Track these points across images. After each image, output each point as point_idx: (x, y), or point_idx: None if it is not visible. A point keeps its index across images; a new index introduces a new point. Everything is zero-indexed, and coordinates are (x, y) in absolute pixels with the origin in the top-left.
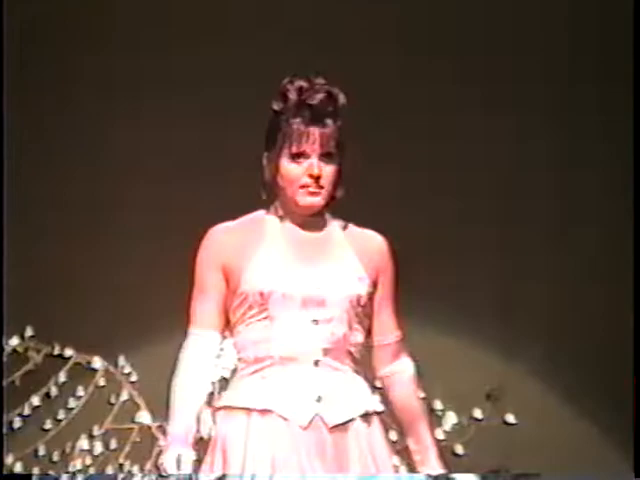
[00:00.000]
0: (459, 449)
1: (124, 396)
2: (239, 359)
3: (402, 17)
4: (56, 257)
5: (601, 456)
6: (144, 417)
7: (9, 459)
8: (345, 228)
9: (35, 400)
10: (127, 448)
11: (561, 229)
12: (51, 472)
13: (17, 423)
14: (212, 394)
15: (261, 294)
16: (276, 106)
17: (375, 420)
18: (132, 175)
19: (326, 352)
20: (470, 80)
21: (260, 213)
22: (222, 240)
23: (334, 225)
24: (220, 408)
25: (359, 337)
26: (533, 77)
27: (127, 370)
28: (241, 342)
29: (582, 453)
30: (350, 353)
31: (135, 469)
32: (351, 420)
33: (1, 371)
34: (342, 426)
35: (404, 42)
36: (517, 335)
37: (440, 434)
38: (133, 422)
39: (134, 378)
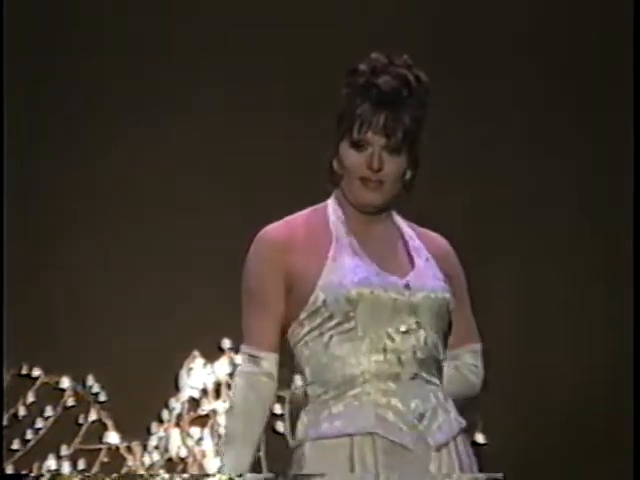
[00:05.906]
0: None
1: (92, 416)
2: (313, 382)
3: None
4: (24, 277)
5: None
6: (112, 437)
7: None
8: (412, 228)
9: (3, 420)
10: (95, 468)
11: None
12: None
13: None
14: (180, 415)
15: (348, 300)
16: (346, 83)
17: (464, 437)
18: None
19: (421, 364)
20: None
21: (320, 206)
22: (280, 242)
23: (401, 224)
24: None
25: (445, 347)
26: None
27: (95, 390)
28: (317, 360)
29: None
30: (440, 365)
31: None
32: (452, 439)
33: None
34: (444, 446)
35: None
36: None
37: None
38: (101, 442)
39: (102, 398)
